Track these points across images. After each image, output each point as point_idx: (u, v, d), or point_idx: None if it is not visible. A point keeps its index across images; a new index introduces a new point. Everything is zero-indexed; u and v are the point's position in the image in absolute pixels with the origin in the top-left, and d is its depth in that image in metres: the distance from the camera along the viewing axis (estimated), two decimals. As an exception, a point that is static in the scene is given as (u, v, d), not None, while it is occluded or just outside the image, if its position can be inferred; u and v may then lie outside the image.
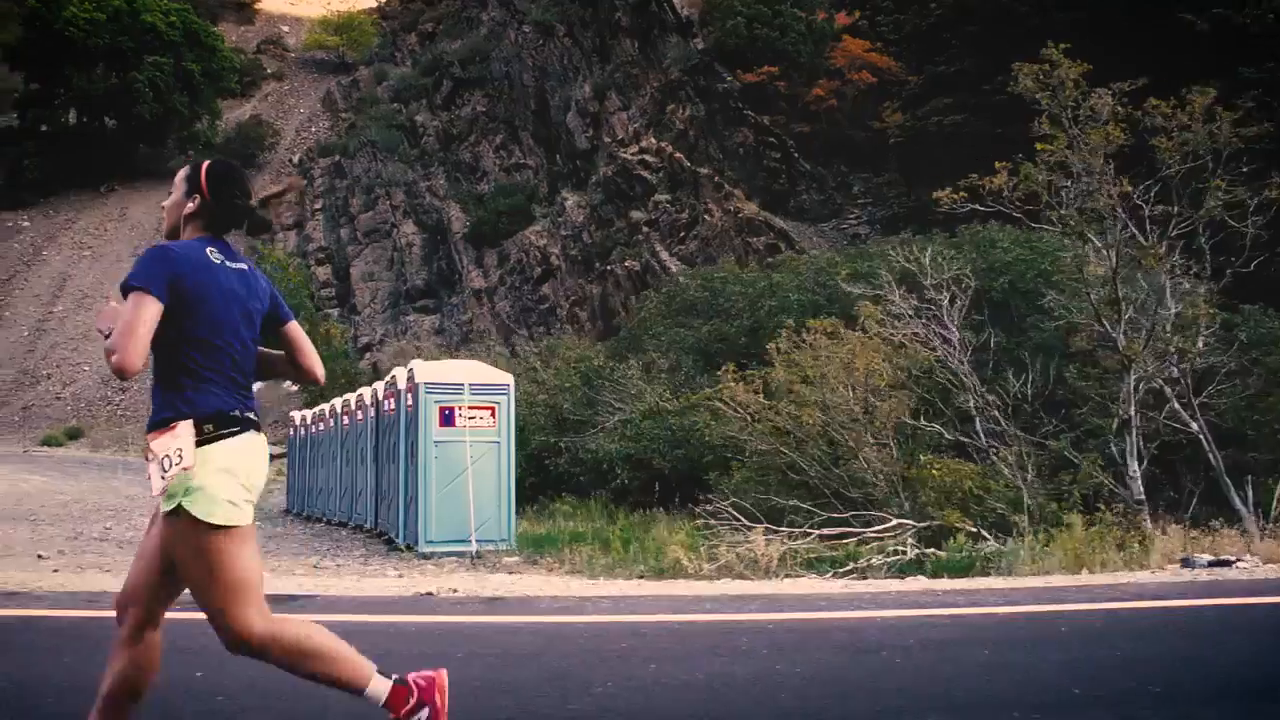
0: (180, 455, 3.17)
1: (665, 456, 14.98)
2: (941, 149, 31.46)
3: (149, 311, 3.19)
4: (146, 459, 3.25)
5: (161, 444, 3.21)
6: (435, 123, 48.18)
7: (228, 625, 3.21)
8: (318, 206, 47.44)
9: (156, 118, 51.04)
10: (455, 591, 7.51)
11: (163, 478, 3.18)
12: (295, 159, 54.98)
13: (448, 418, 12.22)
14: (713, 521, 10.29)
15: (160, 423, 3.25)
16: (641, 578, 10.06)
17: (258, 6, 70.21)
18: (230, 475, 3.22)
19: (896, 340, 12.46)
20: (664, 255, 30.07)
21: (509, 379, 12.88)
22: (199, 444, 3.19)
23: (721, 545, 9.60)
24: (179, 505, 3.16)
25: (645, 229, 31.13)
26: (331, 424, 18.46)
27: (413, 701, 3.33)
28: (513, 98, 45.48)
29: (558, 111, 43.08)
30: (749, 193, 30.97)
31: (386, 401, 14.57)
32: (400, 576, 9.98)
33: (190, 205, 3.49)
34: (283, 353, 3.70)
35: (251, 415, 3.37)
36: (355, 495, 16.59)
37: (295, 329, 3.68)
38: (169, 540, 3.24)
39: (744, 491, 12.74)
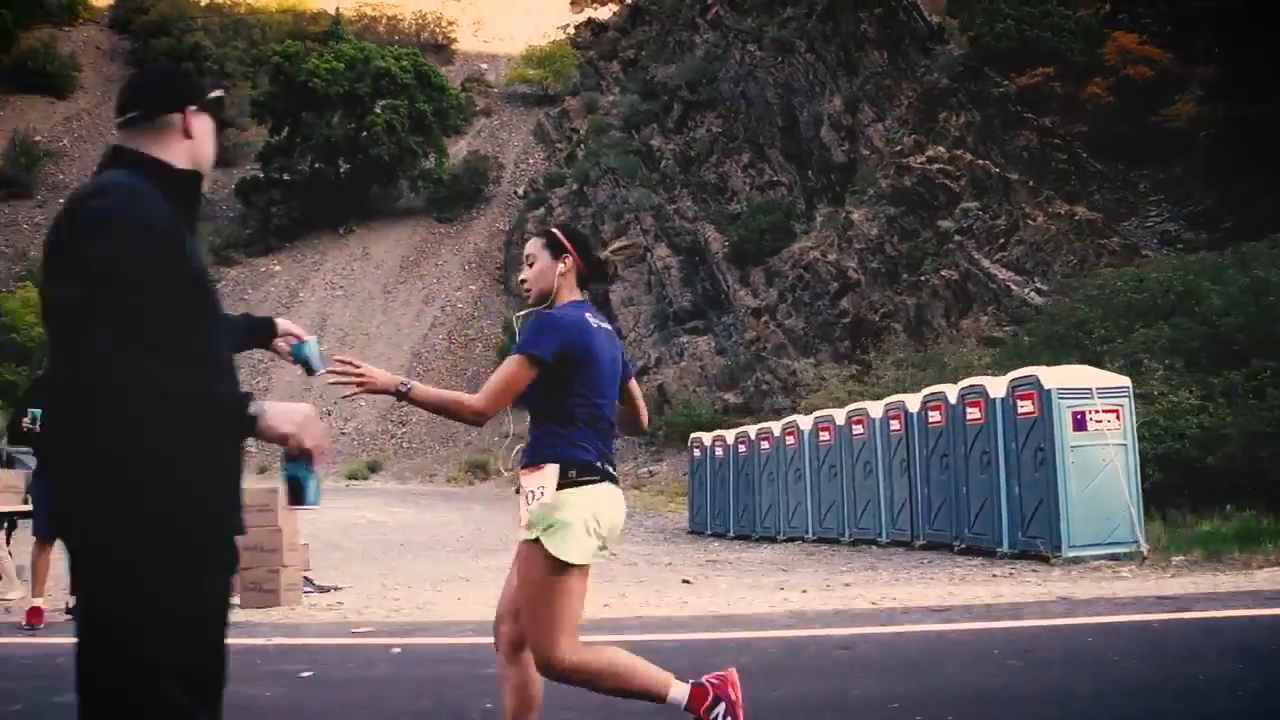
0: (543, 491, 3.55)
1: (1214, 454, 14.77)
2: (1254, 140, 30.69)
3: (523, 375, 3.62)
4: (517, 493, 3.64)
5: (530, 480, 3.60)
6: (671, 146, 48.72)
7: (544, 650, 3.58)
8: (563, 236, 48.19)
9: (392, 158, 52.65)
10: None
11: (526, 507, 3.60)
12: (519, 191, 56.19)
13: (1080, 422, 12.24)
14: None
15: (533, 463, 3.64)
16: None
17: (454, 48, 72.00)
18: (585, 520, 3.54)
19: None
20: (985, 263, 29.81)
21: (1127, 381, 12.86)
22: (560, 487, 3.55)
23: None
24: (538, 538, 3.54)
25: (958, 237, 30.91)
26: (792, 441, 18.65)
27: (709, 700, 3.68)
28: (753, 116, 45.72)
29: (807, 127, 43.18)
30: (1065, 197, 30.57)
31: (932, 413, 14.68)
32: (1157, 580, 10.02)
33: (562, 267, 3.84)
34: (624, 406, 4.06)
35: (612, 469, 3.72)
36: (855, 509, 16.72)
37: (634, 383, 4.11)
38: (522, 561, 3.65)
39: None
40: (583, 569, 3.60)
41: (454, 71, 70.19)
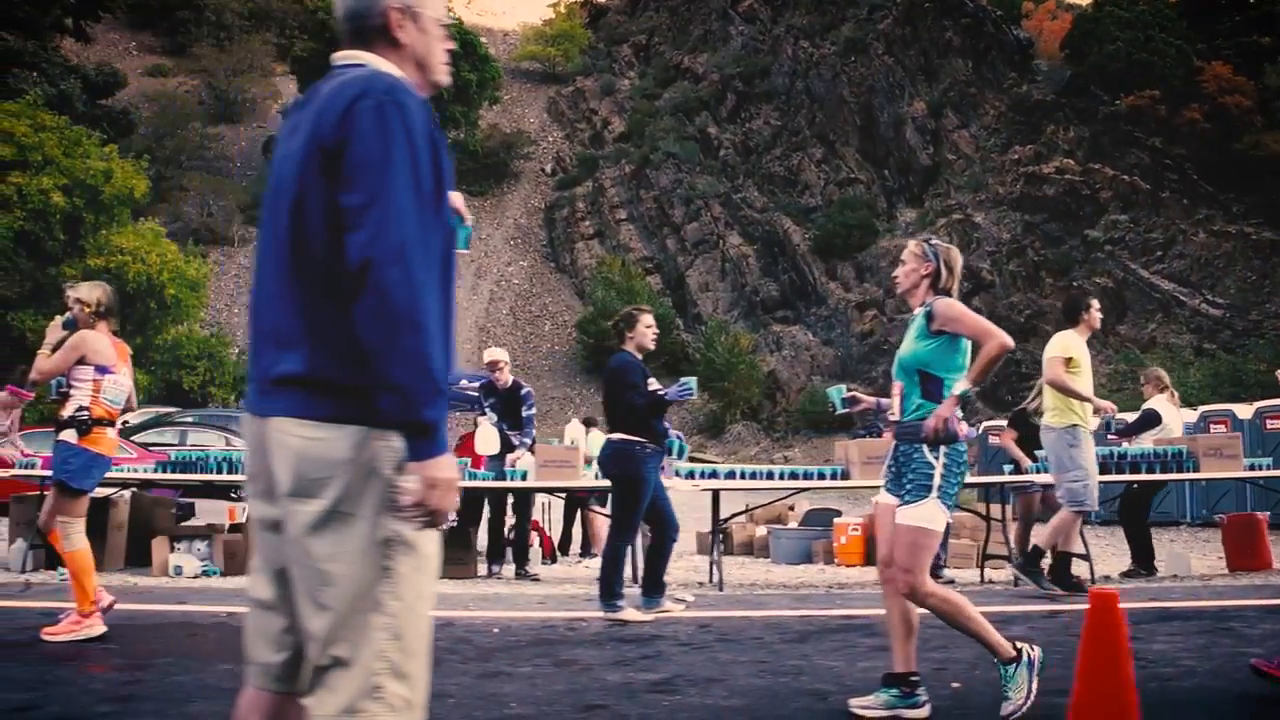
0: None
1: None
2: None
3: None
4: None
5: None
6: (728, 135, 49.13)
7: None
8: (621, 217, 48.07)
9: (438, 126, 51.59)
10: None
11: None
12: (547, 168, 55.72)
13: None
14: None
15: None
16: None
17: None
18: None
19: None
20: (1143, 273, 31.24)
21: None
22: None
23: None
24: None
25: (1108, 247, 32.31)
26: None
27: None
28: (824, 113, 46.47)
29: (886, 128, 44.19)
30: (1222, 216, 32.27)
31: None
32: None
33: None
34: None
35: None
36: None
37: None
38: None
39: None
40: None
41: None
